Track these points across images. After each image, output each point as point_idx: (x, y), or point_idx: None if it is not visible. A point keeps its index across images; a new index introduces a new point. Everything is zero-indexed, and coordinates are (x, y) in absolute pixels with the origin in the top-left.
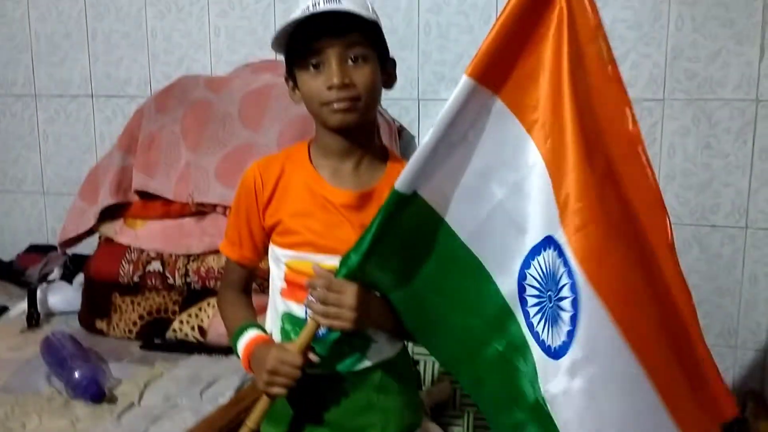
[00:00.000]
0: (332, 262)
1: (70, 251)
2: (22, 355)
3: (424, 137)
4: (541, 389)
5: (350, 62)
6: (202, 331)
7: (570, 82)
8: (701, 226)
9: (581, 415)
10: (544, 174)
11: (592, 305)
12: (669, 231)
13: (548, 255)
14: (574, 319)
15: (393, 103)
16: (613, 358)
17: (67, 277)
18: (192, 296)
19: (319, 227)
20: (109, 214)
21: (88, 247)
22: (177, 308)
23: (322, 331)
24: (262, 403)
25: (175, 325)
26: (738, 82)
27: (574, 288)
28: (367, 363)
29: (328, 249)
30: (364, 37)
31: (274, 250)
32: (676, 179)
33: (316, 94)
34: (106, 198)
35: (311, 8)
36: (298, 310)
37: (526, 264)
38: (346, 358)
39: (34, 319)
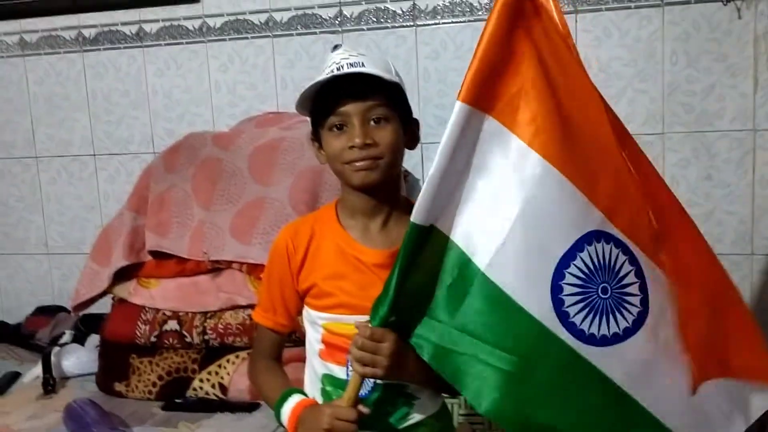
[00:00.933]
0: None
1: (81, 312)
2: (43, 425)
3: (431, 168)
4: (612, 377)
5: (372, 123)
6: (223, 388)
7: (554, 85)
8: None
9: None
10: (558, 178)
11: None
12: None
13: (594, 250)
14: (644, 302)
15: None
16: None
17: (79, 338)
18: (211, 354)
19: (353, 288)
20: (123, 274)
21: (98, 306)
22: (196, 366)
23: (364, 391)
24: None
25: (196, 383)
26: (734, 114)
27: (639, 274)
28: (411, 420)
29: (364, 309)
30: (386, 98)
31: (309, 312)
32: None
33: (339, 154)
34: (119, 260)
35: (336, 71)
36: (339, 372)
37: (559, 275)
38: (389, 417)
39: (50, 385)
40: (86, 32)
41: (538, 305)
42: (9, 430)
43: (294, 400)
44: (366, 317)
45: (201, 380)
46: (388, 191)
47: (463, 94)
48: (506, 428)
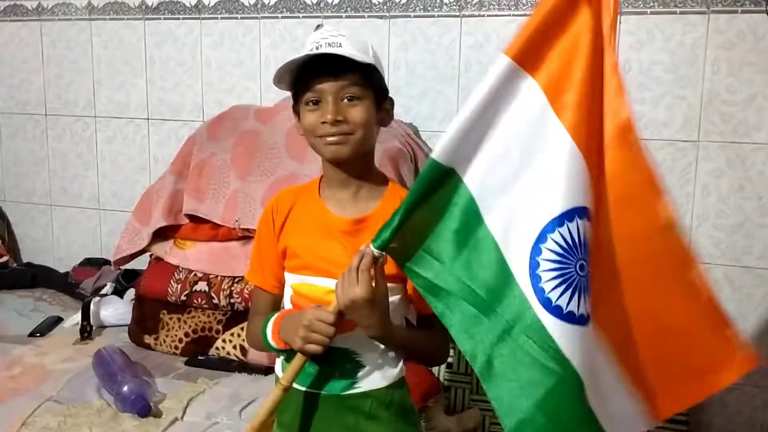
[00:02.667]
0: (327, 284)
1: (123, 267)
2: (75, 367)
3: (461, 114)
4: (566, 354)
5: (345, 101)
6: (244, 350)
7: (594, 69)
8: (733, 266)
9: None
10: (574, 151)
11: None
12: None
13: (579, 224)
14: None
15: (433, 135)
16: None
17: (119, 291)
18: (235, 316)
19: (318, 251)
20: (161, 234)
21: (138, 262)
22: (221, 327)
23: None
24: (297, 361)
25: (218, 343)
26: None
27: None
28: (357, 389)
29: (325, 272)
30: (361, 77)
31: (285, 276)
32: (709, 219)
33: (313, 128)
34: (158, 220)
35: (315, 50)
36: None
37: (542, 238)
38: (337, 381)
39: (86, 332)
40: (149, 1)
41: (518, 268)
42: (43, 369)
43: (277, 313)
44: (327, 279)
45: (224, 341)
46: (359, 165)
47: (511, 49)
48: (476, 370)
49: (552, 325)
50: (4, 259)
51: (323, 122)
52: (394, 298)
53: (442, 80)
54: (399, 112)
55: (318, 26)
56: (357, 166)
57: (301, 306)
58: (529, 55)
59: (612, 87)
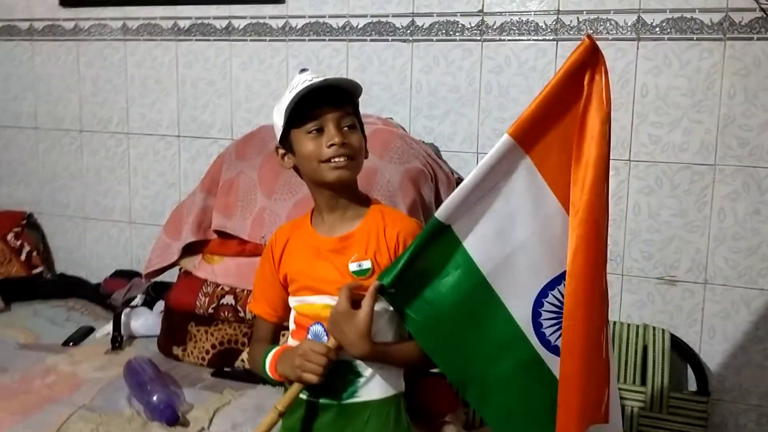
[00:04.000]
0: (323, 301)
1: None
2: (107, 376)
3: (465, 179)
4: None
5: (346, 129)
6: None
7: (585, 151)
8: (750, 288)
9: None
10: (565, 221)
11: None
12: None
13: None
14: None
15: (453, 155)
16: None
17: (149, 303)
18: None
19: (311, 272)
20: (190, 249)
21: (168, 275)
22: (246, 340)
23: None
24: (294, 389)
25: (244, 355)
26: None
27: None
28: (357, 398)
29: (319, 290)
30: (353, 108)
31: (289, 300)
32: (725, 242)
33: (317, 154)
34: (188, 235)
35: (314, 81)
36: None
37: (543, 294)
38: (338, 391)
39: (117, 342)
40: (181, 23)
41: (520, 313)
42: (77, 377)
43: (275, 348)
44: (321, 296)
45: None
46: (350, 189)
47: (513, 129)
48: (466, 397)
49: (551, 361)
50: (39, 269)
51: (330, 145)
52: (384, 316)
53: (462, 102)
54: (420, 133)
55: (303, 69)
56: (347, 190)
57: (303, 324)
58: (527, 135)
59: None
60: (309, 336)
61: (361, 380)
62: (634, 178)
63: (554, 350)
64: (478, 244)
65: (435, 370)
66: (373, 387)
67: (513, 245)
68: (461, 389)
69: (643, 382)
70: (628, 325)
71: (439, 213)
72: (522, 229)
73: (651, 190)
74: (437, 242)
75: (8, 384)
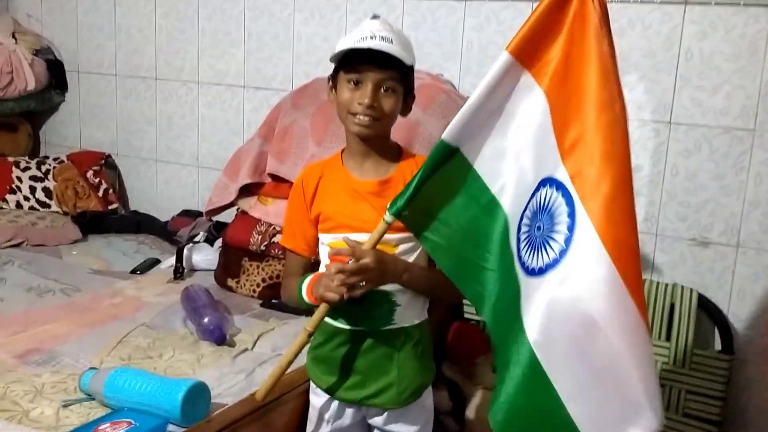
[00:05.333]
0: (361, 238)
1: (214, 218)
2: (166, 301)
3: (468, 100)
4: (522, 308)
5: (382, 90)
6: None
7: (581, 62)
8: None
9: (568, 317)
10: (547, 119)
11: (586, 228)
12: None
13: (545, 192)
14: (567, 241)
15: (643, 124)
16: (601, 273)
17: (210, 240)
18: None
19: (348, 211)
20: (247, 190)
21: (227, 216)
22: None
23: None
24: (321, 309)
25: None
26: None
27: (572, 215)
28: (392, 325)
29: (356, 228)
30: (398, 73)
31: (320, 237)
32: (760, 207)
33: (348, 105)
34: (245, 177)
35: (368, 39)
36: None
37: (526, 206)
38: (375, 319)
39: (179, 273)
40: None
41: (513, 226)
42: (140, 300)
43: (310, 275)
44: (359, 234)
45: None
46: (379, 141)
47: (512, 46)
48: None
49: (523, 279)
50: (115, 206)
51: (359, 103)
52: (417, 249)
53: (657, 69)
54: (469, 90)
55: (374, 16)
56: (377, 142)
57: (338, 259)
58: (526, 52)
59: (598, 77)
60: None
61: (396, 308)
62: (674, 140)
63: (528, 270)
64: (486, 164)
65: (468, 316)
66: (407, 314)
67: (521, 163)
68: (478, 308)
69: (668, 339)
70: (657, 283)
71: (446, 135)
72: (524, 148)
73: (689, 153)
74: (447, 166)
75: (80, 302)
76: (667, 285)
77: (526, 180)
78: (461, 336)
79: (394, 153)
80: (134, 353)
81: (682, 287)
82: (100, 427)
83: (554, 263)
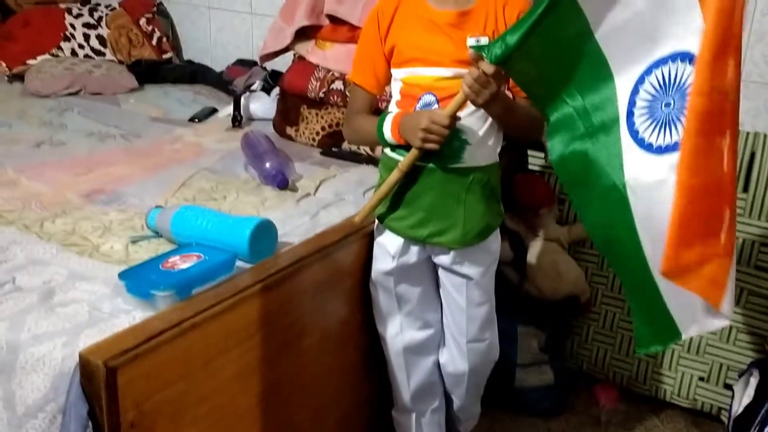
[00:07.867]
0: (437, 73)
1: (269, 67)
2: (227, 147)
3: None
4: (624, 175)
5: None
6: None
7: None
8: None
9: (664, 202)
10: None
11: None
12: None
13: (677, 67)
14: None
15: None
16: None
17: (267, 89)
18: None
19: (425, 44)
20: (304, 34)
21: (284, 65)
22: None
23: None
24: (413, 153)
25: None
26: None
27: None
28: (461, 163)
29: (433, 62)
30: None
31: (393, 72)
32: None
33: None
34: (301, 19)
35: None
36: None
37: (647, 71)
38: (445, 157)
39: (237, 121)
40: None
41: (623, 85)
42: (200, 146)
43: (392, 114)
44: (436, 68)
45: None
46: None
47: None
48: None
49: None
50: (169, 55)
51: None
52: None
53: None
54: None
55: None
56: None
57: (413, 94)
58: None
59: None
60: (419, 106)
61: (467, 147)
62: (744, 98)
63: (634, 134)
64: (596, 8)
65: (533, 168)
66: (477, 154)
67: (631, 12)
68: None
69: (746, 189)
70: (738, 131)
71: None
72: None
73: (758, 112)
74: (557, 10)
75: (141, 147)
76: (748, 133)
77: (646, 34)
78: (525, 187)
79: None
80: (198, 195)
81: (765, 135)
82: (170, 260)
83: (675, 146)
